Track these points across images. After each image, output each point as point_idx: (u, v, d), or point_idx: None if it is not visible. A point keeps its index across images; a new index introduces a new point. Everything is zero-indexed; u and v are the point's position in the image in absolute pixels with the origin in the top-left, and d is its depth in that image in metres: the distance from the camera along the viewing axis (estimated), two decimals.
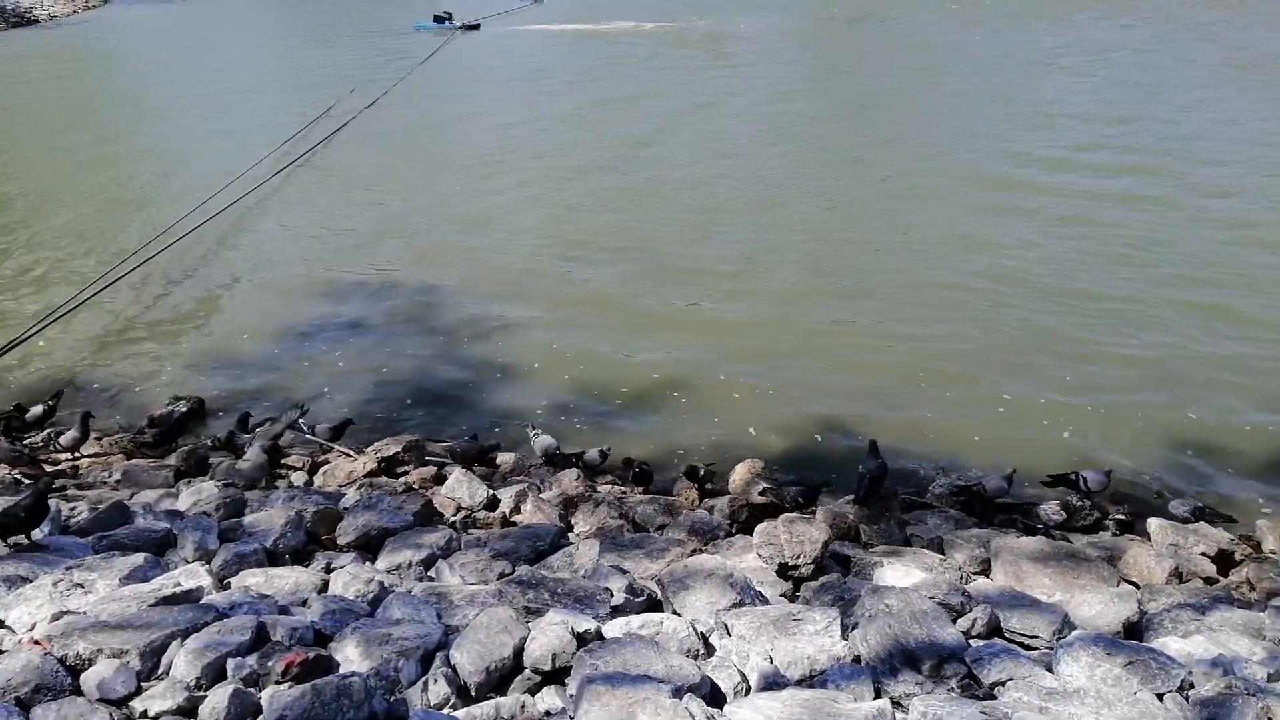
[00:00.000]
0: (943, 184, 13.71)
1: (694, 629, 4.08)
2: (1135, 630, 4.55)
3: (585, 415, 8.58)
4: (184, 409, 8.68)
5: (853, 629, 4.16)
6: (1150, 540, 6.10)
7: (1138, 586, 5.34)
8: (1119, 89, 19.34)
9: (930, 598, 4.42)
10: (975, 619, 4.38)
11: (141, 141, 19.31)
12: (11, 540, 4.78)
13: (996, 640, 4.23)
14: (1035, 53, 24.47)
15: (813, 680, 3.74)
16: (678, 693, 3.40)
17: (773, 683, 3.67)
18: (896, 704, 3.55)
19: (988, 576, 5.36)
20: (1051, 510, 6.37)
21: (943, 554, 5.72)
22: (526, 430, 7.76)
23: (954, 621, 4.30)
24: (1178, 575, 5.54)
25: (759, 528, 5.50)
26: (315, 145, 17.42)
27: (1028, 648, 4.26)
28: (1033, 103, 18.46)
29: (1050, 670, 3.83)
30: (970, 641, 4.16)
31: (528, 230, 13.35)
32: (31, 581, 4.28)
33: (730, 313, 10.45)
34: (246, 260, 12.85)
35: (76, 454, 7.85)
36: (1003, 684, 3.72)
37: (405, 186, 15.73)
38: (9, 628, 3.88)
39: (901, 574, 4.92)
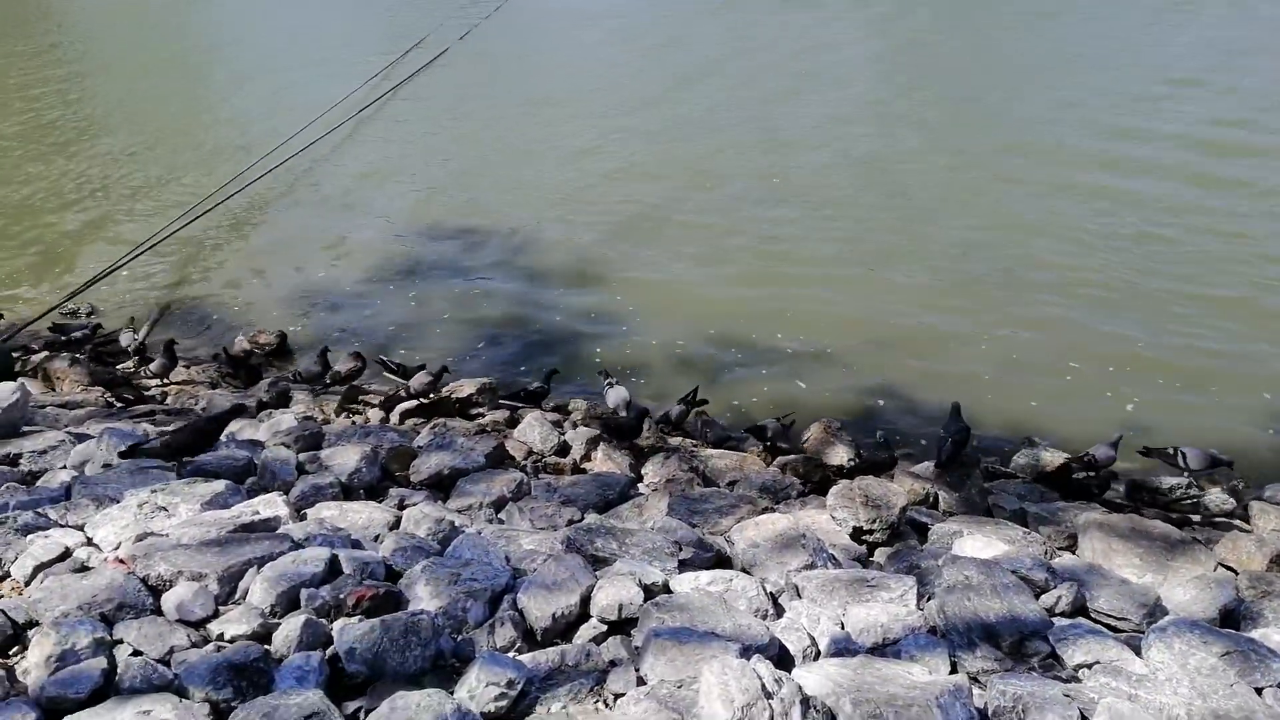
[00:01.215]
0: (1040, 147, 13.02)
1: (763, 588, 4.01)
2: (1232, 619, 4.31)
3: (650, 365, 8.56)
4: (267, 343, 8.91)
5: (928, 599, 4.05)
6: (1250, 524, 5.79)
7: (1235, 572, 5.07)
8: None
9: (1012, 571, 4.27)
10: (1060, 596, 4.20)
11: (231, 81, 19.65)
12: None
13: (1082, 620, 4.06)
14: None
15: (885, 649, 3.65)
16: (745, 652, 3.34)
17: (843, 648, 3.59)
18: (974, 680, 3.43)
19: (1074, 553, 5.15)
20: (1177, 487, 5.97)
21: (1026, 526, 5.52)
22: (600, 379, 7.72)
23: (1037, 598, 4.15)
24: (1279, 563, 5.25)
25: (833, 489, 5.38)
26: (400, 83, 17.45)
27: (1115, 630, 4.08)
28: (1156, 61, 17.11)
29: (1139, 655, 3.66)
30: (1054, 619, 4.01)
31: (621, 172, 13.20)
32: (118, 502, 4.43)
33: (796, 266, 10.25)
34: (332, 197, 13.03)
35: (165, 380, 8.12)
36: (1088, 666, 3.57)
37: (494, 123, 15.70)
38: (96, 545, 4.02)
39: (982, 545, 4.76)
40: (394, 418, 7.16)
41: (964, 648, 3.62)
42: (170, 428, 5.64)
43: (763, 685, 3.07)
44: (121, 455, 5.13)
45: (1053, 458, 6.63)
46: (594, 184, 12.91)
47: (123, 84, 19.65)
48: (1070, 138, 13.20)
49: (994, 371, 8.12)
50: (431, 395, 7.33)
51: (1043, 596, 4.23)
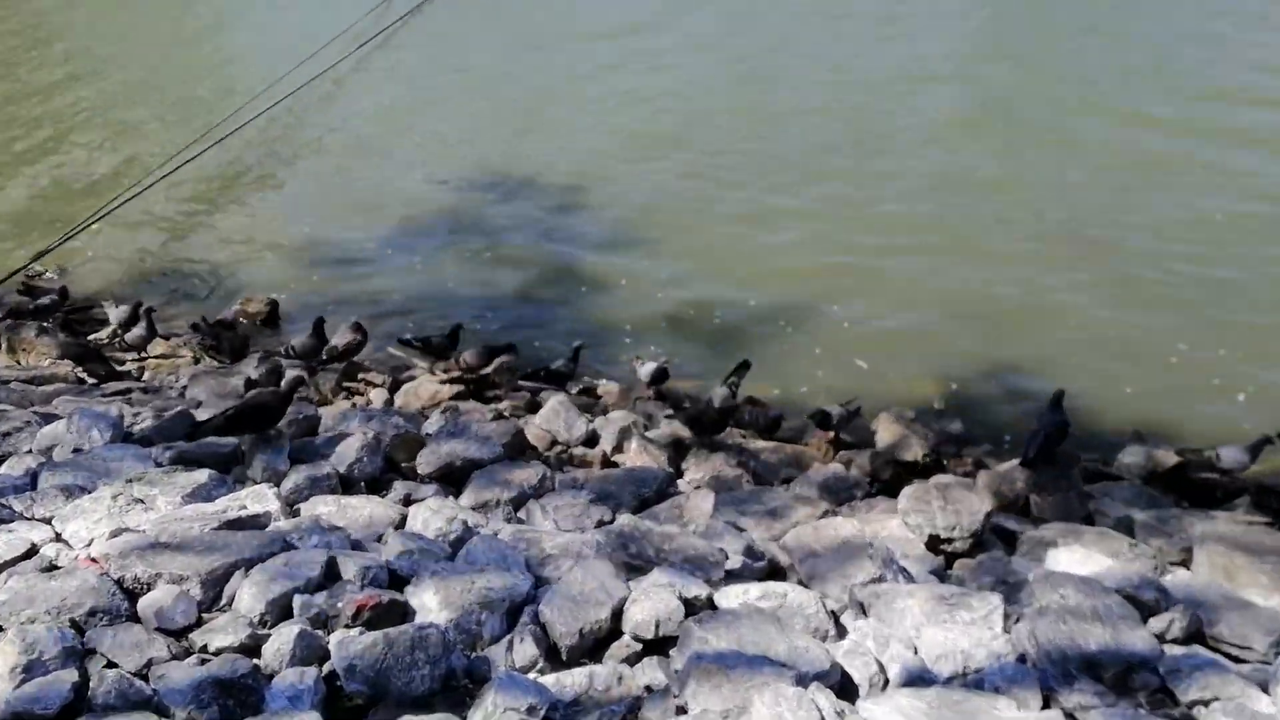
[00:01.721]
0: (1150, 114, 12.66)
1: (824, 605, 3.99)
2: None
3: (691, 340, 8.56)
4: (257, 311, 9.02)
5: (1017, 621, 4.00)
6: None
7: None
8: None
9: (1116, 590, 4.20)
10: (1172, 620, 4.13)
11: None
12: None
13: (1198, 649, 3.99)
14: None
15: (966, 679, 3.61)
16: (802, 680, 3.33)
17: (917, 678, 3.56)
18: (1070, 716, 3.39)
19: (1188, 569, 5.06)
20: None
21: (1133, 537, 5.44)
22: (634, 363, 7.70)
23: (1145, 621, 4.08)
24: None
25: (906, 490, 5.33)
26: (407, 12, 17.36)
27: (1237, 661, 4.00)
28: None
29: (1266, 691, 3.59)
30: (1164, 648, 3.94)
31: (661, 117, 13.14)
32: (90, 492, 4.50)
33: (858, 233, 10.12)
34: (331, 144, 13.10)
35: (142, 353, 8.25)
36: (1204, 704, 3.52)
37: (517, 59, 15.65)
38: (66, 542, 4.10)
39: (1081, 558, 4.68)
40: (418, 395, 7.17)
41: (1059, 679, 3.57)
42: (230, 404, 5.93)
43: (822, 719, 3.06)
44: (188, 437, 5.42)
45: (1165, 457, 6.52)
46: (629, 129, 12.85)
47: (96, 17, 19.84)
48: (1188, 104, 12.84)
49: (1090, 356, 7.99)
50: (481, 373, 7.37)
51: (1151, 620, 4.15)
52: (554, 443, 6.68)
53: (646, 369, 7.48)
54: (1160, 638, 4.04)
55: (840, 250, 9.78)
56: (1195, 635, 4.16)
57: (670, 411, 6.75)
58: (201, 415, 6.07)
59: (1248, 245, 9.35)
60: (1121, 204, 10.22)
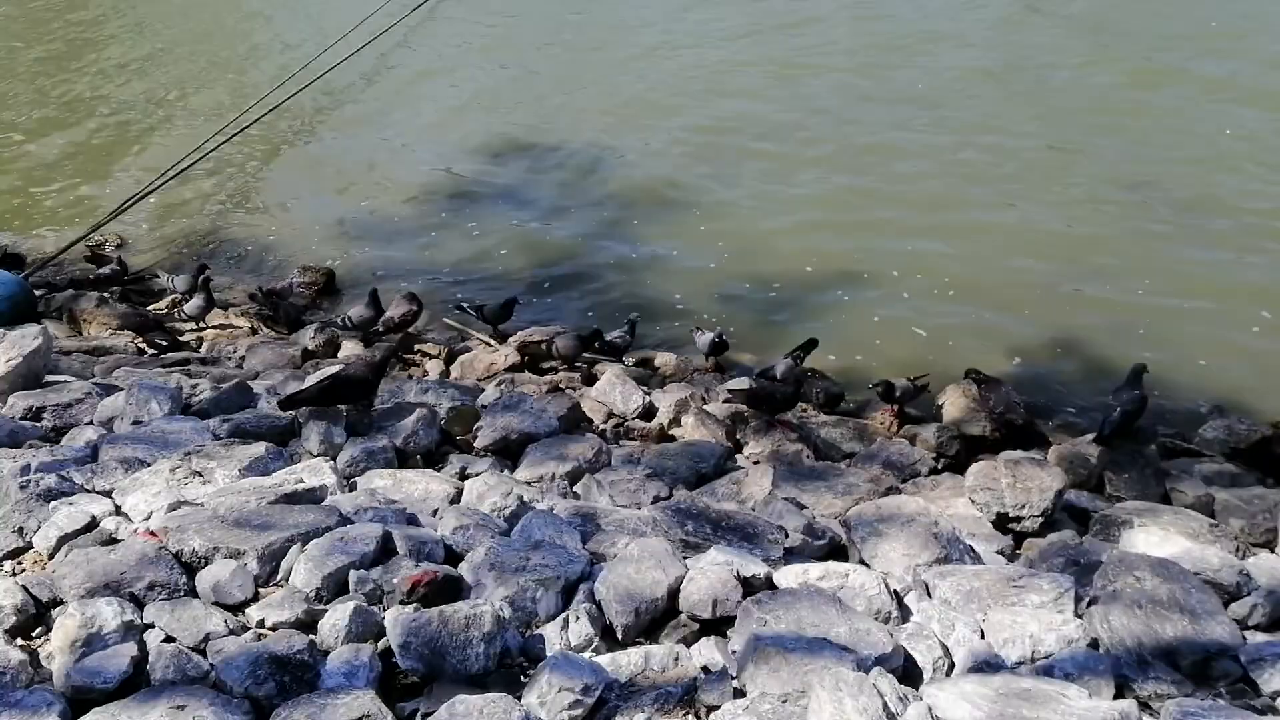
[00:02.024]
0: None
1: (886, 586, 3.93)
2: None
3: (745, 311, 8.52)
4: (313, 281, 9.12)
5: (1089, 604, 3.91)
6: None
7: None
8: None
9: (1196, 573, 4.08)
10: (1254, 606, 4.00)
11: None
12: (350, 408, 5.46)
13: None
14: None
15: (1035, 665, 3.53)
16: (863, 664, 3.28)
17: (984, 663, 3.49)
18: (1144, 706, 3.30)
19: (1273, 550, 4.91)
20: None
21: (1212, 517, 5.29)
22: (693, 333, 7.66)
23: (1225, 606, 3.96)
24: None
25: (973, 467, 5.24)
26: None
27: None
28: None
29: None
30: (1245, 635, 3.83)
31: (702, 82, 12.99)
32: (149, 465, 4.59)
33: (913, 194, 10.01)
34: (376, 115, 13.14)
35: (201, 324, 8.39)
36: None
37: (559, 27, 15.55)
38: (125, 515, 4.19)
39: (1159, 539, 4.55)
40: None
41: (1133, 667, 3.48)
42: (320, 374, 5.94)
43: (884, 705, 3.02)
44: (281, 405, 5.47)
45: (1250, 431, 6.33)
46: (667, 96, 12.74)
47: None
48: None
49: (1163, 326, 7.79)
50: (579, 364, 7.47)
51: (1232, 605, 4.04)
52: (610, 415, 6.68)
53: (704, 339, 7.44)
54: (1242, 624, 3.93)
55: (898, 214, 9.68)
56: (1278, 621, 4.04)
57: (735, 388, 6.66)
58: (257, 386, 6.17)
59: None
60: (1197, 169, 9.91)
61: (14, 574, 3.81)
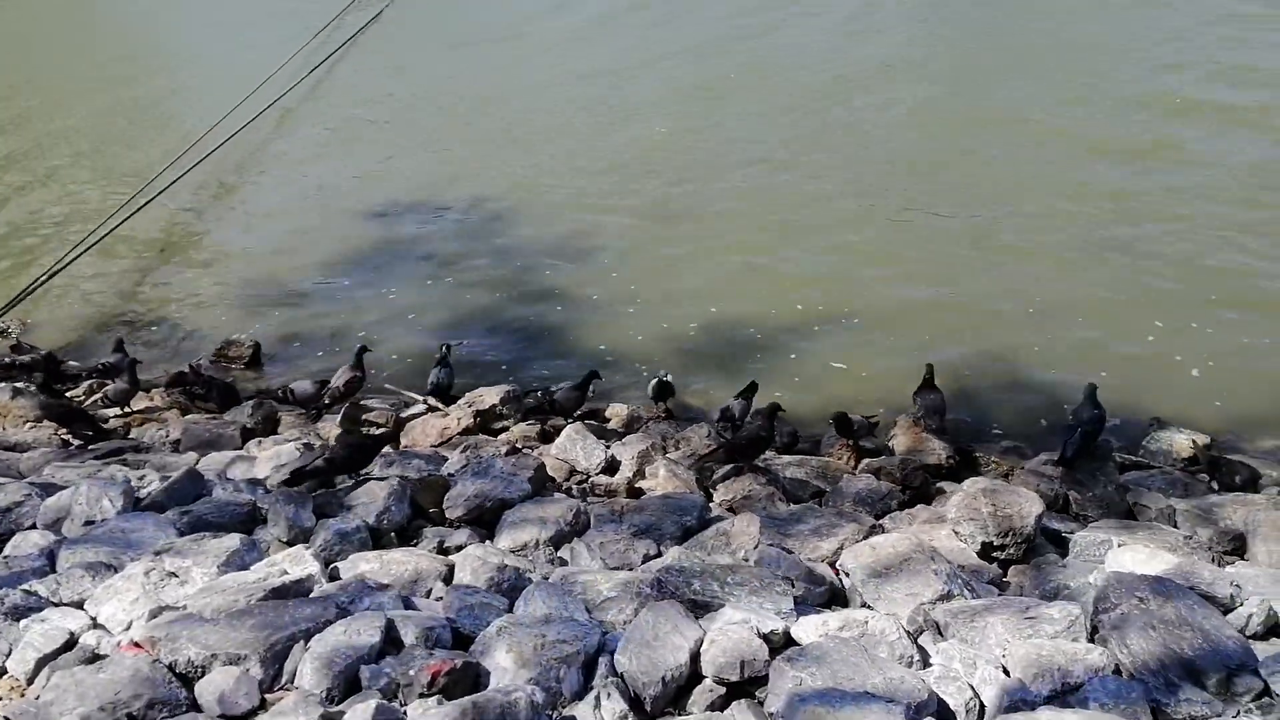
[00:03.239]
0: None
1: (903, 630, 3.89)
2: None
3: (669, 353, 8.57)
4: (238, 355, 8.78)
5: (1096, 630, 3.93)
6: None
7: None
8: None
9: (1191, 588, 4.15)
10: (1250, 616, 4.08)
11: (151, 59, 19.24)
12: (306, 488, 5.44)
13: None
14: None
15: (1065, 697, 3.53)
16: (911, 715, 3.22)
17: (1019, 700, 3.47)
18: None
19: (1243, 558, 5.05)
20: None
21: (1175, 527, 5.42)
22: (648, 377, 7.62)
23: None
24: None
25: (954, 499, 5.25)
26: (344, 43, 17.00)
27: None
28: None
29: None
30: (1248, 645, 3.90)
31: (604, 140, 13.10)
32: (118, 569, 4.28)
33: (826, 226, 10.31)
34: (281, 177, 12.86)
35: (125, 409, 7.96)
36: None
37: (459, 78, 15.53)
38: (103, 627, 3.88)
39: (1145, 556, 4.63)
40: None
41: (1162, 690, 3.49)
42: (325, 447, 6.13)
43: None
44: (285, 483, 5.48)
45: (1185, 441, 6.55)
46: (577, 145, 12.89)
47: (25, 60, 19.27)
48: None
49: (1079, 344, 8.10)
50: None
51: (1229, 617, 4.11)
52: (572, 472, 6.55)
53: (651, 385, 7.40)
54: (1240, 633, 4.00)
55: (811, 249, 9.94)
56: (1272, 628, 4.13)
57: (710, 448, 6.59)
58: (208, 473, 5.86)
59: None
60: (1089, 204, 10.38)
61: None
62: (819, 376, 8.08)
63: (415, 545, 5.08)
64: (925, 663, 3.83)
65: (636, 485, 6.37)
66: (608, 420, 7.57)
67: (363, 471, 5.77)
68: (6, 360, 8.57)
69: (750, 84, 14.28)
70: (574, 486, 6.32)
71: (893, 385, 7.66)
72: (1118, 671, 3.66)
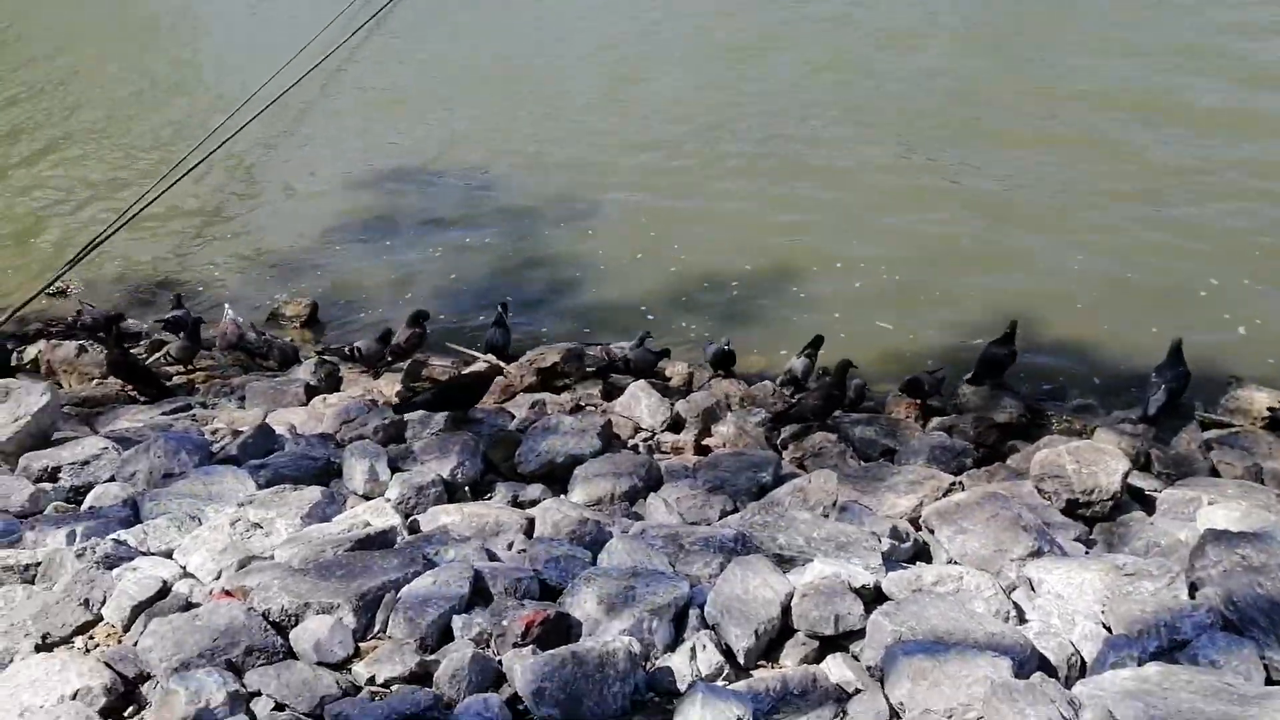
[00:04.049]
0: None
1: (1000, 586, 3.81)
2: None
3: (704, 311, 8.52)
4: (296, 314, 8.80)
5: (1198, 586, 3.83)
6: None
7: None
8: None
9: None
10: None
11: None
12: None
13: None
14: None
15: (1172, 653, 3.43)
16: (1020, 670, 3.15)
17: (1126, 655, 3.37)
18: None
19: None
20: None
21: (1262, 484, 5.29)
22: (696, 340, 7.57)
23: None
24: None
25: (1038, 457, 5.15)
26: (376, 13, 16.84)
27: None
28: None
29: None
30: None
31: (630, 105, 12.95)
32: (202, 521, 4.29)
33: (869, 186, 10.14)
34: (324, 143, 12.84)
35: (190, 366, 8.01)
36: None
37: (489, 46, 15.39)
38: (194, 576, 3.89)
39: (1239, 514, 4.51)
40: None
41: (1273, 645, 3.39)
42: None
43: (1060, 713, 2.89)
44: (395, 409, 5.77)
45: (1270, 399, 6.39)
46: (589, 113, 12.79)
47: (58, 28, 19.27)
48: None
49: (1131, 299, 7.93)
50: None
51: None
52: (637, 429, 6.49)
53: (710, 350, 7.30)
54: None
55: (852, 206, 9.77)
56: None
57: (776, 401, 6.53)
58: (278, 427, 5.87)
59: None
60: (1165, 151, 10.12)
61: (87, 650, 3.50)
62: (867, 335, 7.96)
63: (489, 499, 5.07)
64: (1021, 619, 3.75)
65: (703, 443, 6.31)
66: (669, 379, 7.50)
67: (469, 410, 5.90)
68: (70, 319, 8.63)
69: (780, 45, 14.04)
70: (640, 444, 6.26)
71: (942, 343, 7.61)
72: (1225, 628, 3.57)
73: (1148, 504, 5.12)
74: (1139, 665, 3.32)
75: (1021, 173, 10.06)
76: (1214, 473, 5.55)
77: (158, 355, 8.16)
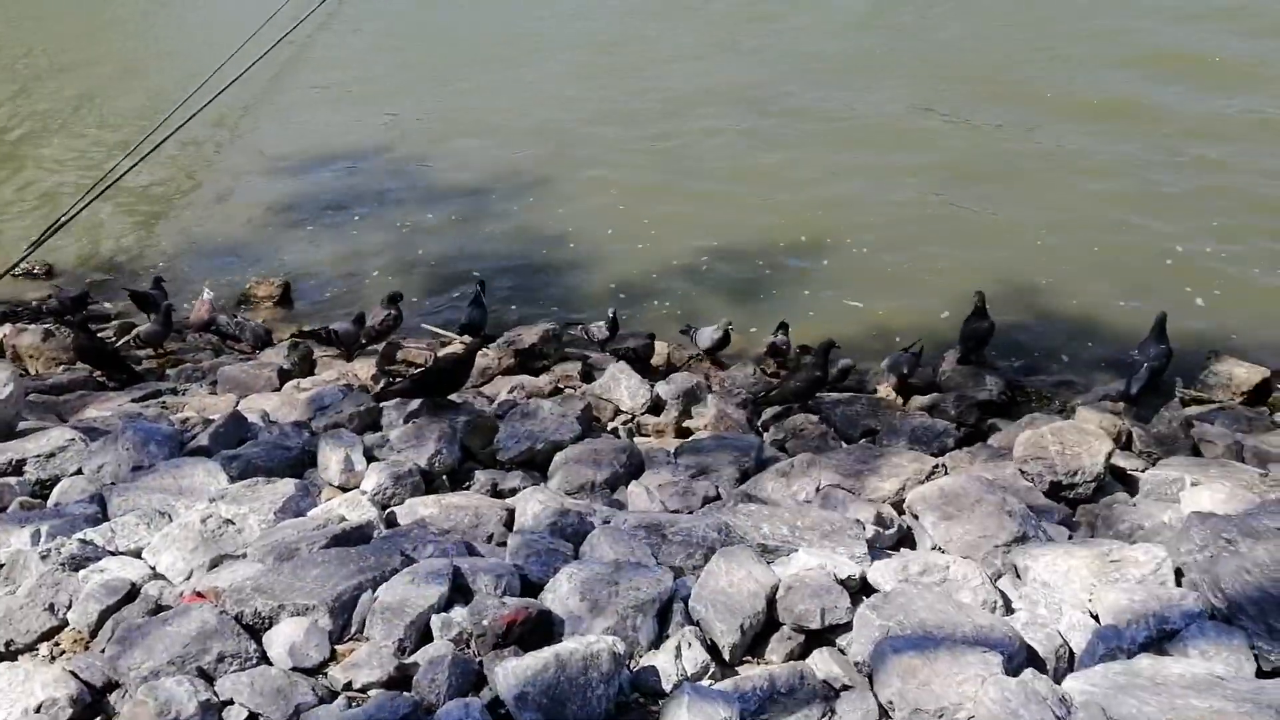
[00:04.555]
0: None
1: (986, 575, 3.75)
2: None
3: (689, 284, 8.50)
4: (268, 294, 8.62)
5: (1181, 574, 3.78)
6: None
7: None
8: None
9: (1278, 528, 3.99)
10: None
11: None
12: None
13: None
14: None
15: (1161, 644, 3.38)
16: (1009, 665, 3.09)
17: (1115, 647, 3.32)
18: None
19: None
20: None
21: (1243, 462, 5.26)
22: (683, 332, 7.46)
23: None
24: None
25: (1020, 438, 5.09)
26: None
27: None
28: None
29: None
30: None
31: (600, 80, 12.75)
32: (172, 518, 4.16)
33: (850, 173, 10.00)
34: (293, 119, 12.59)
35: (159, 350, 7.83)
36: None
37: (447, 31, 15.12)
38: (164, 577, 3.77)
39: (1223, 496, 4.47)
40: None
41: (1263, 636, 3.35)
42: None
43: (1053, 712, 2.83)
44: (375, 397, 5.68)
45: (1249, 373, 6.36)
46: (571, 89, 12.61)
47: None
48: None
49: (1110, 272, 7.89)
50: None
51: None
52: (617, 412, 6.40)
53: (705, 335, 7.16)
54: None
55: (832, 190, 9.66)
56: None
57: (755, 381, 6.46)
58: (250, 415, 5.72)
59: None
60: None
61: (53, 657, 3.38)
62: (826, 312, 7.94)
63: (468, 488, 4.96)
64: (1009, 608, 3.70)
65: (683, 425, 6.23)
66: (649, 359, 7.39)
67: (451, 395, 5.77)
68: (36, 303, 8.42)
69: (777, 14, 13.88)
70: (620, 427, 6.17)
71: (911, 321, 7.57)
72: (1213, 617, 3.52)
73: (1129, 484, 5.08)
74: (1129, 657, 3.27)
75: (986, 143, 10.01)
76: (1195, 451, 5.52)
77: (126, 338, 7.97)
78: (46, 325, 7.94)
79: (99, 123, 13.07)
